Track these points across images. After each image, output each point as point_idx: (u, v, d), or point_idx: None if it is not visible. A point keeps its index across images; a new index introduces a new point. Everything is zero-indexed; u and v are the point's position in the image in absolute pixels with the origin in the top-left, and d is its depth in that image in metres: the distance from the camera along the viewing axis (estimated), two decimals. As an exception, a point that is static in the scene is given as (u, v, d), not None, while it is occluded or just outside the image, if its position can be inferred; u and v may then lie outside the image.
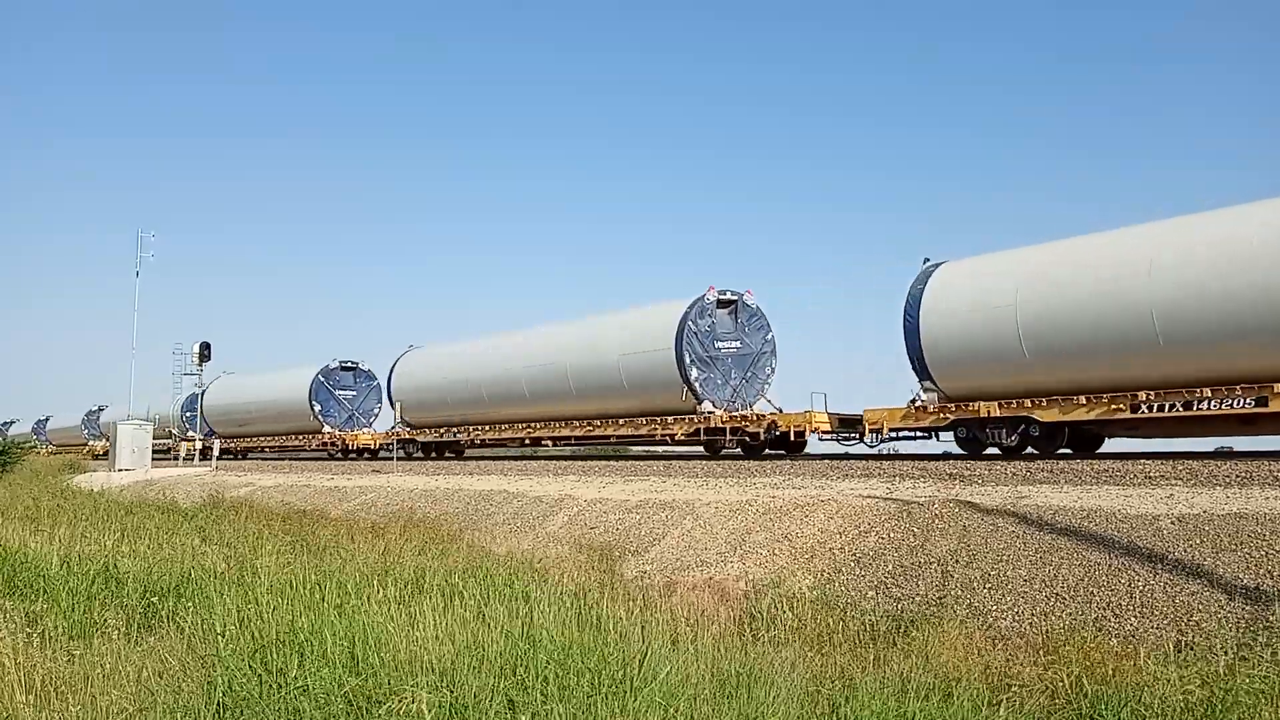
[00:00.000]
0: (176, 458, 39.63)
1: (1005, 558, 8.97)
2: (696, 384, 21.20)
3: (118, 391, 68.33)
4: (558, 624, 6.84)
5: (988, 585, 8.63)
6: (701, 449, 22.68)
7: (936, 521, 10.21)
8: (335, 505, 19.30)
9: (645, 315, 23.37)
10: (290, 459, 38.55)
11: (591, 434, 24.58)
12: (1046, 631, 7.58)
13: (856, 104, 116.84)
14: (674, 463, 20.16)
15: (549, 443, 26.08)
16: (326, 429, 35.88)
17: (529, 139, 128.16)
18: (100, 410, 61.16)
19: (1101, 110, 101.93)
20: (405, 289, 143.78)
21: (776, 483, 14.41)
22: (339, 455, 35.78)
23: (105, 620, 7.21)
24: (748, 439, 20.63)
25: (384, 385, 34.51)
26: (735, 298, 22.19)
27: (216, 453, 36.90)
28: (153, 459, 37.86)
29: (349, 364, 36.86)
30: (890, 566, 9.56)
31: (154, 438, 41.80)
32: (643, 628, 7.05)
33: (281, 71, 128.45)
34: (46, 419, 73.73)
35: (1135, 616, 7.56)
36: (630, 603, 8.30)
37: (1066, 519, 9.49)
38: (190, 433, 46.01)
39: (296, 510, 18.51)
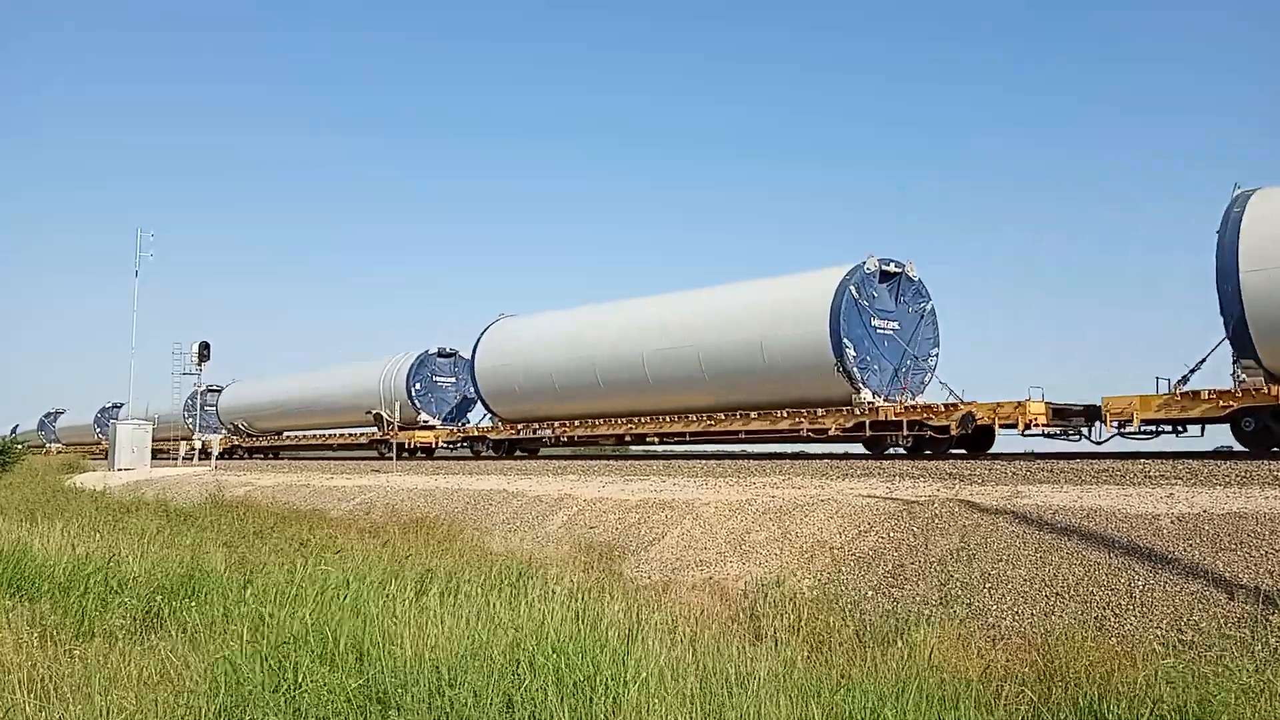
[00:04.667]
0: (175, 458, 39.55)
1: (1005, 557, 8.99)
2: None
3: (118, 391, 60.90)
4: (557, 622, 6.86)
5: (988, 585, 8.65)
6: None
7: (936, 521, 10.22)
8: (335, 505, 19.32)
9: None
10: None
11: None
12: (1046, 631, 7.59)
13: (858, 103, 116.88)
14: (674, 462, 20.17)
15: None
16: (866, 394, 18.24)
17: (531, 139, 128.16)
18: (219, 390, 45.76)
19: (1107, 110, 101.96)
20: (407, 289, 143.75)
21: (776, 482, 14.42)
22: (927, 448, 17.88)
23: (107, 620, 7.22)
24: None
25: (934, 310, 19.86)
26: None
27: (216, 452, 36.85)
28: (152, 459, 37.82)
29: (892, 265, 19.52)
30: (890, 566, 9.57)
31: (351, 425, 32.70)
32: (641, 627, 7.06)
33: (283, 71, 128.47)
34: (116, 406, 57.64)
35: (1135, 616, 7.57)
36: (629, 602, 8.31)
37: (1066, 518, 9.51)
38: (428, 420, 31.33)
39: (296, 510, 18.54)
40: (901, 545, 9.92)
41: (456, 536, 13.68)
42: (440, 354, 32.14)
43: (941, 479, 13.07)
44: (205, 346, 37.76)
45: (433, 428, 31.01)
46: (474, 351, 27.40)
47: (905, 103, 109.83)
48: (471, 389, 29.77)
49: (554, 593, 8.19)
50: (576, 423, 24.07)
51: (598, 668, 5.61)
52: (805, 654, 7.10)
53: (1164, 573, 7.98)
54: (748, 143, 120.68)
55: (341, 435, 34.96)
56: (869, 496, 11.95)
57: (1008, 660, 7.12)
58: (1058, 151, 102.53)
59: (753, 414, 19.92)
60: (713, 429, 20.86)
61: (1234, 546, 8.09)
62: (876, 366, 18.74)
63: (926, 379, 19.54)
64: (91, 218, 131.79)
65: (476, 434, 28.24)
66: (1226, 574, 7.73)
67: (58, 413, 70.80)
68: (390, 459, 28.65)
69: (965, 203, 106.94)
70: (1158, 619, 7.45)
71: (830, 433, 18.56)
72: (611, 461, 21.85)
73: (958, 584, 8.79)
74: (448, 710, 5.03)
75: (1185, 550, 8.22)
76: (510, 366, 25.78)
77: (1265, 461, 11.51)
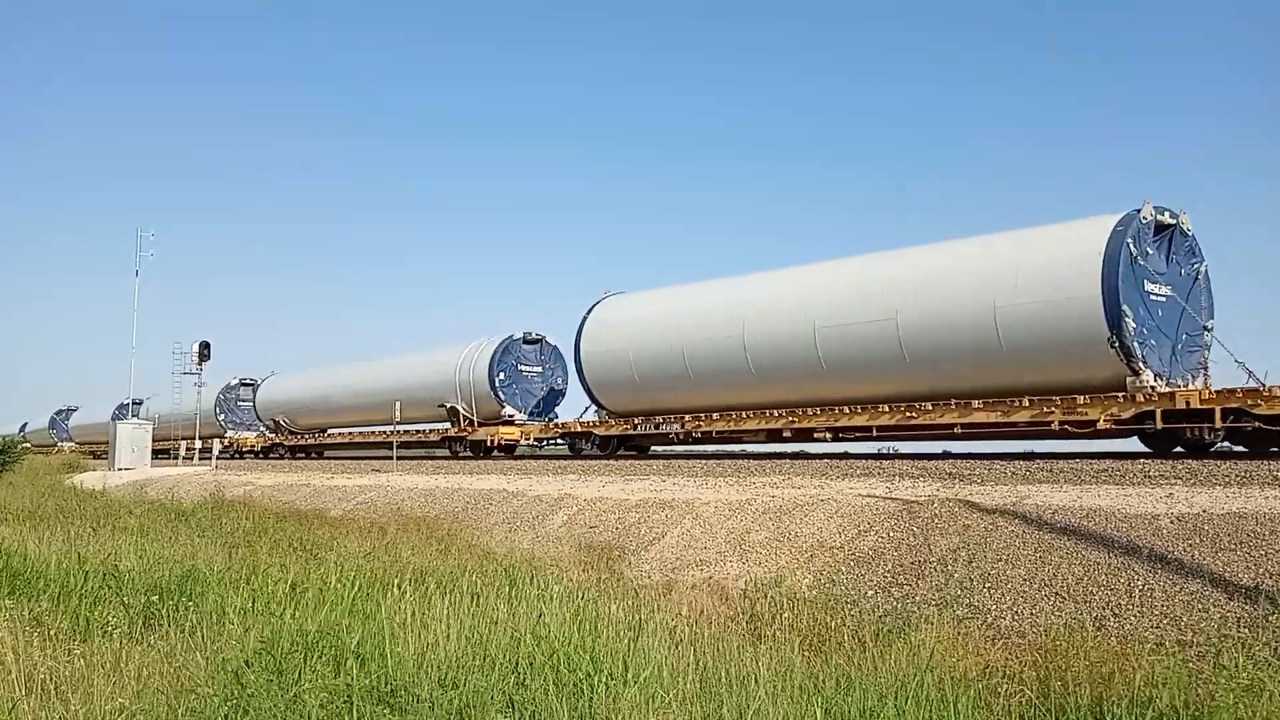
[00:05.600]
0: (175, 457, 39.50)
1: (1005, 557, 8.99)
2: None
3: (118, 390, 59.38)
4: (557, 623, 6.86)
5: (987, 584, 8.65)
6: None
7: (936, 521, 10.22)
8: (335, 505, 19.32)
9: None
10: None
11: None
12: (1046, 631, 7.59)
13: (858, 103, 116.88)
14: (674, 462, 20.16)
15: None
16: (1147, 376, 14.57)
17: (531, 139, 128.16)
18: (252, 384, 41.60)
19: (1107, 110, 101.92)
20: (407, 289, 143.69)
21: (776, 482, 14.41)
22: (1242, 444, 14.40)
23: (106, 619, 7.22)
24: None
25: None
26: None
27: (216, 451, 36.79)
28: (151, 459, 37.80)
29: (1166, 215, 15.62)
30: (890, 566, 9.57)
31: (416, 420, 29.05)
32: (641, 627, 7.06)
33: (283, 71, 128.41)
34: (137, 403, 50.45)
35: (1135, 615, 7.57)
36: (629, 601, 8.31)
37: (1066, 518, 9.51)
38: (512, 413, 27.38)
39: (296, 510, 18.54)
40: (901, 545, 9.92)
41: (457, 536, 13.68)
42: (526, 340, 28.22)
43: (941, 479, 13.07)
44: (205, 346, 37.77)
45: (518, 423, 27.15)
46: (578, 335, 23.09)
47: (905, 103, 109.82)
48: (559, 379, 28.29)
49: (554, 593, 8.19)
50: (715, 416, 19.99)
51: (598, 668, 5.61)
52: (805, 654, 7.10)
53: (1164, 573, 7.97)
54: (748, 143, 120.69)
55: (404, 432, 30.53)
56: (869, 496, 11.94)
57: (1007, 660, 7.12)
58: (1058, 151, 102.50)
59: (975, 403, 15.79)
60: (913, 422, 16.72)
61: (1234, 546, 8.08)
62: (1154, 341, 14.72)
63: (1203, 357, 15.54)
64: (92, 217, 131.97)
65: (579, 429, 23.72)
66: (1226, 574, 7.73)
67: (70, 410, 66.64)
68: (469, 458, 26.18)
69: (965, 202, 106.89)
70: (1157, 619, 7.44)
71: (1098, 425, 14.34)
72: (611, 461, 21.83)
73: (957, 584, 8.78)
74: (449, 711, 5.02)
75: (1185, 550, 8.22)
76: (625, 350, 21.60)
77: (1265, 461, 11.50)
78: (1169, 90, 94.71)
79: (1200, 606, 7.39)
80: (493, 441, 26.85)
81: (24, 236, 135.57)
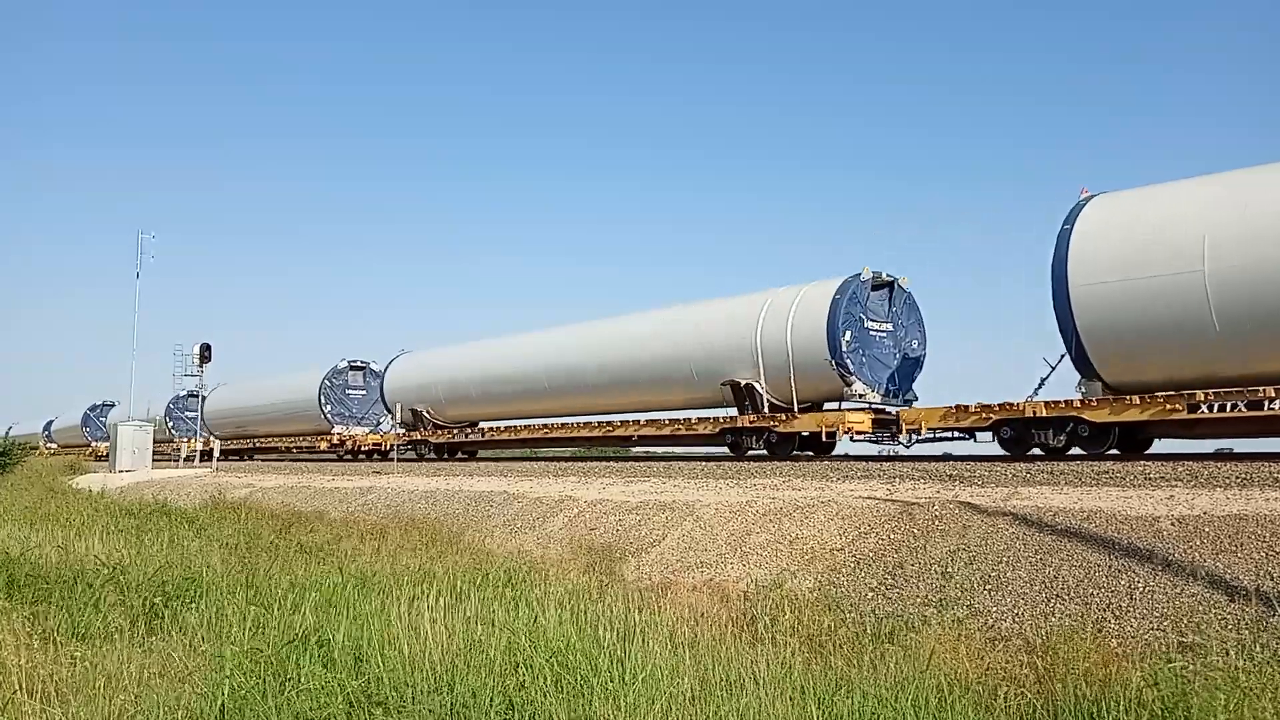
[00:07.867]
0: (176, 459, 39.48)
1: (1005, 559, 8.98)
2: None
3: (119, 391, 54.18)
4: (557, 624, 6.86)
5: (987, 586, 8.64)
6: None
7: (936, 523, 10.21)
8: (335, 507, 19.32)
9: None
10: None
11: None
12: (1046, 633, 7.59)
13: (859, 103, 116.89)
14: (674, 464, 20.15)
15: None
16: None
17: (530, 139, 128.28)
18: (364, 367, 35.49)
19: (1108, 109, 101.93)
20: (405, 289, 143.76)
21: (776, 484, 14.41)
22: None
23: (108, 622, 7.23)
24: None
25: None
26: None
27: (217, 453, 36.77)
28: (153, 460, 37.78)
29: None
30: (890, 567, 9.57)
31: (657, 407, 20.97)
32: (641, 628, 7.06)
33: (281, 73, 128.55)
34: (192, 395, 43.25)
35: (1135, 617, 7.57)
36: (629, 603, 8.30)
37: (1066, 520, 9.50)
38: (862, 391, 17.61)
39: (297, 512, 18.54)
40: (901, 547, 9.91)
41: (457, 538, 13.68)
42: (874, 285, 18.55)
43: (941, 480, 13.05)
44: (206, 348, 37.80)
45: (872, 406, 17.92)
46: (1058, 259, 13.84)
47: (906, 102, 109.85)
48: (915, 342, 19.01)
49: (553, 594, 8.19)
50: None
51: (596, 669, 5.61)
52: (804, 655, 7.10)
53: (1164, 574, 7.96)
54: (748, 142, 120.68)
55: (645, 423, 21.21)
56: (869, 498, 11.94)
57: (1007, 661, 7.12)
58: (1058, 151, 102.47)
59: None
60: None
61: (1234, 548, 8.07)
62: None
63: None
64: (94, 218, 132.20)
65: (1045, 414, 14.26)
66: (1227, 576, 7.72)
67: (106, 406, 58.55)
68: (762, 458, 18.51)
69: (966, 204, 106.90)
70: (1158, 621, 7.44)
71: None
72: (612, 463, 21.80)
73: (957, 585, 8.78)
74: (447, 712, 5.03)
75: (1185, 552, 8.21)
76: (1173, 277, 12.66)
77: (1266, 463, 11.47)
78: (1169, 90, 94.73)
79: (1201, 608, 7.38)
80: (840, 431, 17.55)
81: (24, 238, 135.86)
